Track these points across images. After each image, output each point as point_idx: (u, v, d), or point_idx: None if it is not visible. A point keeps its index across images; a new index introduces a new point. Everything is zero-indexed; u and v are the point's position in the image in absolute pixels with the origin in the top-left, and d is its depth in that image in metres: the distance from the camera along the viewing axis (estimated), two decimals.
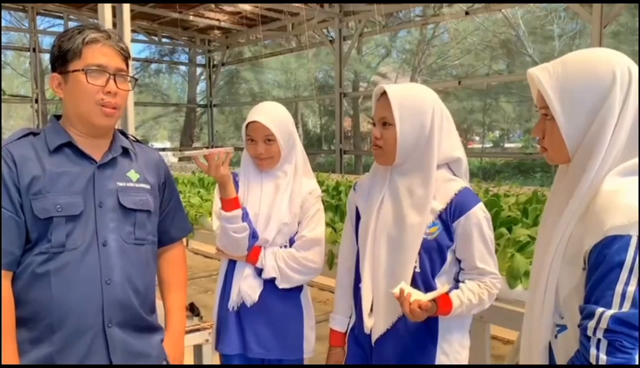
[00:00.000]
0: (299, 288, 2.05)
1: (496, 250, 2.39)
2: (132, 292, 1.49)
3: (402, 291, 1.54)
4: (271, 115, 1.95)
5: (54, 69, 1.48)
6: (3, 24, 10.71)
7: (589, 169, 1.12)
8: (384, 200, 1.71)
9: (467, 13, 7.98)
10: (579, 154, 1.16)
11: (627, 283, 0.99)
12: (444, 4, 8.42)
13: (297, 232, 2.01)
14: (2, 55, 13.88)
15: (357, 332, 1.79)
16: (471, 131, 20.49)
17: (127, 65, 1.53)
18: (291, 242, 2.02)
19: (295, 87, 17.79)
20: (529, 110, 17.54)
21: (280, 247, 1.99)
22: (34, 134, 1.48)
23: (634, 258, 0.99)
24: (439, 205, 1.64)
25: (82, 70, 1.43)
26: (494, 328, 2.99)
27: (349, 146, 10.14)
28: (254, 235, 1.94)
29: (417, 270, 1.63)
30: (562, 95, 1.14)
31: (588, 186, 1.12)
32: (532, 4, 10.40)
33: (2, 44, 12.62)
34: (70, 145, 1.47)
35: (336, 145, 10.01)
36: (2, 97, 12.78)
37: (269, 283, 1.97)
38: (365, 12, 8.50)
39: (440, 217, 1.64)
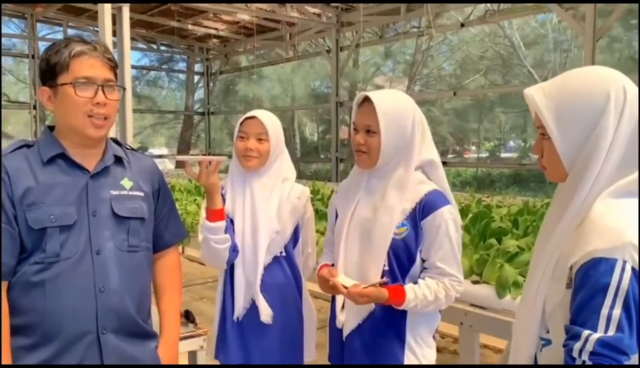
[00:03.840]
0: (300, 296, 2.08)
1: (486, 261, 2.45)
2: (128, 299, 1.51)
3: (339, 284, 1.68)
4: (267, 116, 2.02)
5: (43, 83, 1.50)
6: (3, 30, 10.74)
7: (581, 187, 1.13)
8: (359, 201, 1.80)
9: (462, 25, 8.07)
10: (572, 172, 1.17)
11: (612, 307, 1.01)
12: (440, 18, 8.50)
13: (292, 238, 2.05)
14: (2, 62, 13.91)
15: (331, 327, 1.87)
16: (467, 141, 20.57)
17: (115, 75, 1.55)
18: (287, 248, 2.04)
19: (292, 97, 17.86)
20: (524, 121, 17.63)
21: (276, 256, 2.02)
22: (28, 146, 1.51)
23: (619, 282, 1.01)
24: (409, 205, 1.71)
25: (71, 83, 1.44)
26: (486, 338, 3.03)
27: (345, 154, 10.18)
28: (234, 249, 1.96)
29: (386, 268, 1.71)
30: (557, 114, 1.15)
31: (580, 205, 1.13)
32: (526, 16, 10.49)
33: (2, 51, 12.67)
34: (63, 156, 1.49)
35: (332, 153, 10.05)
36: (2, 103, 12.79)
37: (271, 293, 1.99)
38: (361, 22, 8.59)
39: (409, 217, 1.71)
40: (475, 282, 2.45)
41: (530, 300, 1.21)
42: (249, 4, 8.31)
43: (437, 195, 1.73)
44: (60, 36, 11.21)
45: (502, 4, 7.57)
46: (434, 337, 1.82)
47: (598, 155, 1.11)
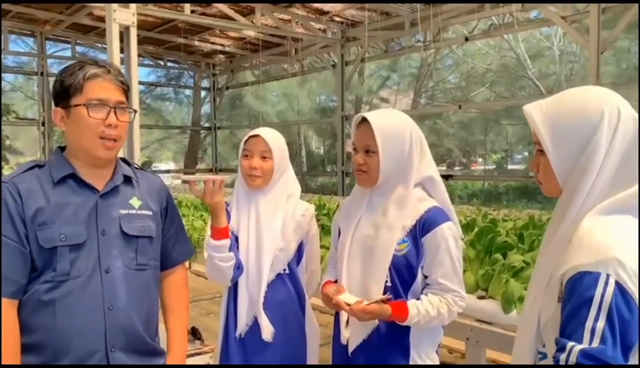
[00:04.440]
0: (302, 314, 2.09)
1: (491, 276, 2.46)
2: (136, 316, 1.54)
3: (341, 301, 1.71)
4: (271, 134, 2.05)
5: (57, 104, 1.54)
6: (12, 48, 10.88)
7: (574, 202, 1.17)
8: (361, 218, 1.83)
9: (466, 39, 8.12)
10: (566, 187, 1.21)
11: (596, 320, 1.03)
12: (445, 31, 8.55)
13: (295, 256, 2.07)
14: (14, 79, 14.05)
15: (335, 343, 1.88)
16: (474, 153, 20.55)
17: (127, 97, 1.59)
18: (290, 266, 2.05)
19: (299, 110, 17.94)
20: (530, 132, 17.59)
21: (280, 273, 2.04)
22: (39, 166, 1.55)
23: (602, 295, 1.03)
24: (410, 222, 1.75)
25: (84, 104, 1.48)
26: (493, 353, 3.02)
27: (351, 168, 10.19)
28: (239, 267, 1.98)
29: (389, 284, 1.74)
30: (552, 131, 1.20)
31: (572, 220, 1.16)
32: (530, 30, 10.53)
33: (12, 69, 12.86)
34: (74, 176, 1.53)
35: (338, 167, 10.08)
36: (10, 119, 12.95)
37: (273, 310, 2.01)
38: (366, 37, 8.66)
39: (410, 234, 1.74)
40: (481, 297, 2.45)
41: (528, 313, 1.24)
42: (254, 21, 8.40)
43: (437, 212, 1.76)
44: (68, 53, 11.37)
45: (505, 18, 7.62)
46: (437, 352, 1.84)
47: (590, 171, 1.15)
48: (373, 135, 1.73)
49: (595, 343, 1.02)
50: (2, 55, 9.86)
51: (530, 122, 1.24)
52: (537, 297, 1.21)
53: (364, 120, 1.77)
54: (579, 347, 1.03)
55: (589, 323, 1.03)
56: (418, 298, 1.73)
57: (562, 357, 1.05)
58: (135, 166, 1.72)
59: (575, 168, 1.18)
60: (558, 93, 1.27)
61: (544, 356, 1.21)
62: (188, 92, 17.53)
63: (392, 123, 1.77)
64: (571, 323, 1.06)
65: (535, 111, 1.24)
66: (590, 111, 1.17)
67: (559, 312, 1.12)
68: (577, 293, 1.06)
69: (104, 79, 1.52)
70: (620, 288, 1.04)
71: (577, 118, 1.18)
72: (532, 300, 1.23)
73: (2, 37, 9.76)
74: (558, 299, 1.14)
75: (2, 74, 10.51)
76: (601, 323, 1.03)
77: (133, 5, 4.76)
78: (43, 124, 10.97)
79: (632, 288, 1.04)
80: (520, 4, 7.11)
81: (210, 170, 14.31)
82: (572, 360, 1.03)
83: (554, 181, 1.23)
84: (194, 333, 2.25)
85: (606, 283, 1.04)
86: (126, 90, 1.58)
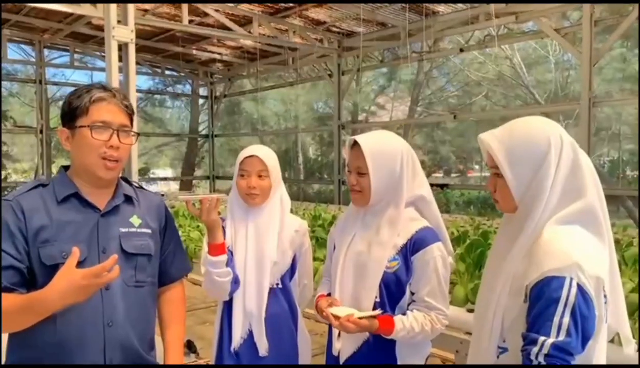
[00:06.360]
0: (295, 327, 2.13)
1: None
2: (133, 332, 1.58)
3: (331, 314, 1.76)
4: (266, 152, 2.11)
5: (63, 124, 1.60)
6: (10, 56, 10.94)
7: (531, 217, 1.34)
8: (355, 236, 1.90)
9: (461, 50, 8.20)
10: (523, 204, 1.38)
11: (562, 316, 1.22)
12: (440, 41, 8.64)
13: (289, 270, 2.12)
14: (10, 86, 14.07)
15: (328, 353, 1.94)
16: (470, 159, 20.63)
17: (131, 121, 1.65)
18: (283, 280, 2.10)
19: (296, 117, 17.98)
20: None
21: (272, 287, 2.08)
22: (43, 185, 1.60)
23: (568, 295, 1.22)
24: (401, 240, 1.82)
25: (88, 126, 1.54)
26: None
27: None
28: (236, 281, 2.03)
29: (377, 299, 1.81)
30: (509, 158, 1.38)
31: (531, 231, 1.34)
32: (524, 40, 10.62)
33: (9, 76, 12.91)
34: (77, 195, 1.58)
35: (335, 176, 10.13)
36: (9, 127, 12.97)
37: (266, 324, 2.05)
38: (363, 47, 8.73)
39: (401, 252, 1.81)
40: (470, 311, 2.50)
41: (490, 314, 1.39)
42: (251, 31, 8.47)
43: (427, 232, 1.83)
44: (66, 60, 11.43)
45: (500, 29, 7.70)
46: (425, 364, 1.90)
47: (544, 190, 1.35)
48: (364, 157, 1.80)
49: (562, 337, 1.21)
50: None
51: (488, 150, 1.41)
52: (500, 299, 1.37)
53: (356, 142, 1.84)
54: (550, 340, 1.21)
55: (556, 320, 1.22)
56: (404, 314, 1.80)
57: (534, 350, 1.22)
58: (136, 185, 1.77)
59: (530, 188, 1.36)
60: (508, 123, 1.44)
61: (504, 350, 1.37)
62: (186, 99, 17.60)
63: (382, 145, 1.84)
64: (539, 320, 1.24)
65: (492, 141, 1.41)
66: (540, 140, 1.37)
67: (524, 311, 1.29)
68: (545, 294, 1.24)
69: (109, 103, 1.58)
70: (580, 289, 1.23)
71: (529, 146, 1.37)
72: (495, 303, 1.38)
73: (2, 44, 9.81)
74: (523, 301, 1.30)
75: None
76: (566, 319, 1.21)
77: (132, 22, 4.82)
78: (41, 131, 11.01)
79: (589, 288, 1.24)
80: (514, 16, 7.21)
81: (207, 178, 14.36)
82: (544, 352, 1.21)
83: (510, 199, 1.40)
84: (189, 347, 2.29)
85: (570, 285, 1.23)
86: (130, 114, 1.64)
